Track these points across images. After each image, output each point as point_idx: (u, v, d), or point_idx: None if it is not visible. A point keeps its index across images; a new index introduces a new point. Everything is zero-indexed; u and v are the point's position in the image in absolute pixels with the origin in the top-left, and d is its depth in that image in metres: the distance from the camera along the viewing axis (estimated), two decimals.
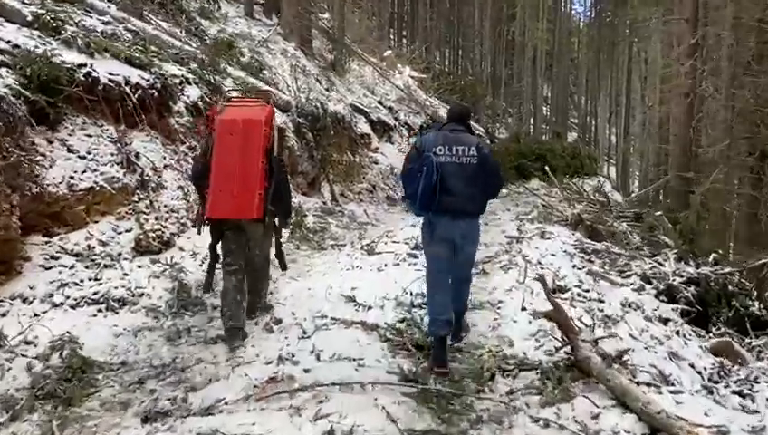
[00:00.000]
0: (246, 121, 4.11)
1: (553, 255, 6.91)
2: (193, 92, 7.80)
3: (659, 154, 23.98)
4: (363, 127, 14.47)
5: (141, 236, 5.86)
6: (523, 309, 5.10)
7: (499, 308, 5.30)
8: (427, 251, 4.19)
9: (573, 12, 42.14)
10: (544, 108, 37.68)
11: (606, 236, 8.73)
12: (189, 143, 7.44)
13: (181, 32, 10.09)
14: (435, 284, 4.08)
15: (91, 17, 7.68)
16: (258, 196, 4.04)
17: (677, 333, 5.20)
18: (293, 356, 4.07)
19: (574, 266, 6.54)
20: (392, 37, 30.73)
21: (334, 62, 17.01)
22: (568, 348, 3.86)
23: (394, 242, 7.40)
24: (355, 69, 18.68)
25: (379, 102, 17.61)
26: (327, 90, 14.63)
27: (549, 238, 7.79)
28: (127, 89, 6.49)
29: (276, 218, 4.59)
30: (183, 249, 6.24)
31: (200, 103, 7.77)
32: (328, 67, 16.58)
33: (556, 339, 4.10)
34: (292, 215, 5.20)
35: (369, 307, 5.17)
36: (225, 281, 4.36)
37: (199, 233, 4.46)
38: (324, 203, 10.47)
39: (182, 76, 7.70)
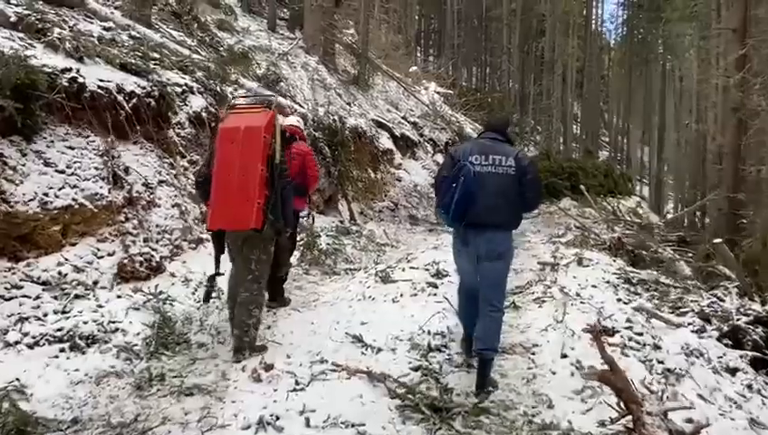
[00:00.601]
0: (247, 129, 3.96)
1: (594, 286, 5.98)
2: (197, 102, 7.14)
3: (696, 174, 22.77)
4: (386, 142, 13.74)
5: (126, 261, 5.15)
6: (564, 356, 4.21)
7: (534, 353, 4.40)
8: (456, 265, 4.13)
9: (604, 29, 40.96)
10: (574, 126, 36.58)
11: (650, 264, 7.77)
12: (190, 157, 6.76)
13: (193, 41, 9.48)
14: (464, 301, 4.10)
15: (92, 22, 7.11)
16: (257, 205, 3.84)
17: (750, 387, 4.25)
18: (278, 419, 3.25)
19: (619, 300, 5.61)
20: (419, 54, 30.21)
21: (357, 77, 16.35)
22: (627, 419, 2.96)
23: (413, 268, 6.55)
24: (379, 84, 18.03)
25: (404, 118, 16.89)
26: (348, 104, 13.98)
27: (588, 266, 6.85)
28: (119, 97, 5.83)
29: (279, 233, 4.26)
30: (174, 275, 5.52)
31: (204, 114, 7.09)
32: (351, 81, 15.94)
33: (611, 406, 3.20)
34: (289, 230, 4.51)
35: (379, 349, 4.35)
36: (229, 287, 4.36)
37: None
38: (341, 222, 9.69)
39: (185, 85, 7.05)
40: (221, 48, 10.40)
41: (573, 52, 29.04)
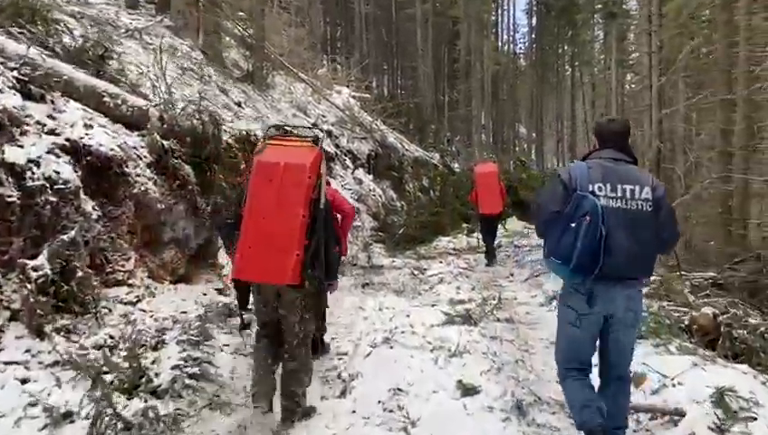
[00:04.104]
0: (288, 166, 3.17)
1: None
2: None
3: None
4: None
5: None
6: None
7: None
8: (564, 335, 2.80)
9: (515, 36, 38.88)
10: (483, 134, 33.95)
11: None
12: None
13: None
14: (580, 384, 2.74)
15: None
16: (296, 256, 3.09)
17: None
18: None
19: None
20: (325, 61, 26.07)
21: (252, 73, 12.07)
22: None
23: None
24: (282, 84, 13.86)
25: (314, 125, 12.75)
26: (238, 104, 9.70)
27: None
28: None
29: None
30: None
31: None
32: (244, 79, 11.68)
33: None
34: (337, 281, 3.64)
35: None
36: (254, 361, 3.41)
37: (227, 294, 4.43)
38: (222, 295, 5.46)
39: None
40: None
41: (490, 54, 26.18)
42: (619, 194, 2.60)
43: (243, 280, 3.32)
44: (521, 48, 40.51)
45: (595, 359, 2.82)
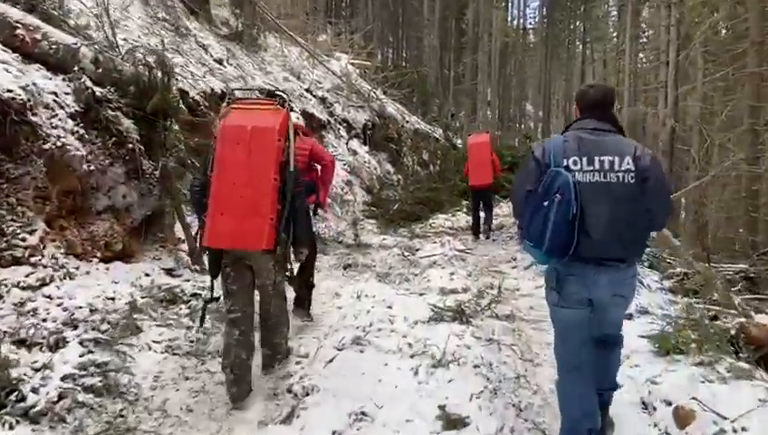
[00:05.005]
0: (256, 129, 3.03)
1: None
2: None
3: None
4: None
5: None
6: None
7: None
8: (556, 319, 2.58)
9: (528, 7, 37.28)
10: (489, 111, 32.65)
11: None
12: None
13: None
14: (570, 368, 2.51)
15: None
16: (269, 221, 2.97)
17: None
18: None
19: None
20: (328, 29, 24.73)
21: (241, 33, 11.04)
22: None
23: None
24: (276, 46, 12.77)
25: (308, 91, 11.73)
26: (219, 62, 8.68)
27: None
28: None
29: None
30: None
31: None
32: (233, 37, 10.67)
33: None
34: (304, 251, 3.46)
35: None
36: (226, 335, 3.13)
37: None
38: (170, 271, 4.56)
39: None
40: None
41: (499, 26, 24.84)
42: (597, 166, 2.36)
43: (214, 247, 3.12)
44: (531, 23, 38.95)
45: None
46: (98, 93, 4.05)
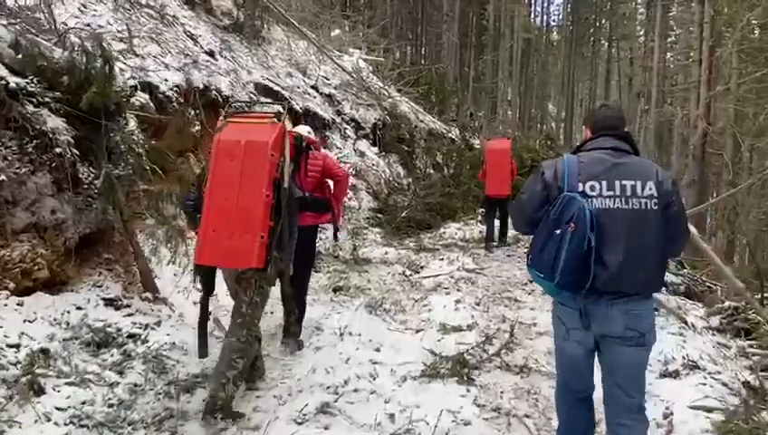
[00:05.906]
0: (250, 144, 2.96)
1: None
2: None
3: (665, 166, 18.27)
4: None
5: None
6: None
7: None
8: (559, 354, 2.40)
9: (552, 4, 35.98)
10: (509, 111, 31.47)
11: None
12: None
13: None
14: (572, 410, 2.37)
15: None
16: (260, 240, 2.87)
17: None
18: None
19: None
20: (345, 21, 23.81)
21: (242, 24, 10.27)
22: None
23: None
24: (281, 40, 11.95)
25: (313, 87, 10.91)
26: (210, 54, 7.88)
27: None
28: None
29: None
30: None
31: None
32: (233, 29, 9.91)
33: None
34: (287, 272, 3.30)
35: None
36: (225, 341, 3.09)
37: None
38: (112, 302, 3.77)
39: None
40: None
41: (521, 22, 23.74)
42: (618, 192, 2.15)
43: (205, 265, 3.03)
44: (554, 20, 37.61)
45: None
46: (13, 85, 3.25)
